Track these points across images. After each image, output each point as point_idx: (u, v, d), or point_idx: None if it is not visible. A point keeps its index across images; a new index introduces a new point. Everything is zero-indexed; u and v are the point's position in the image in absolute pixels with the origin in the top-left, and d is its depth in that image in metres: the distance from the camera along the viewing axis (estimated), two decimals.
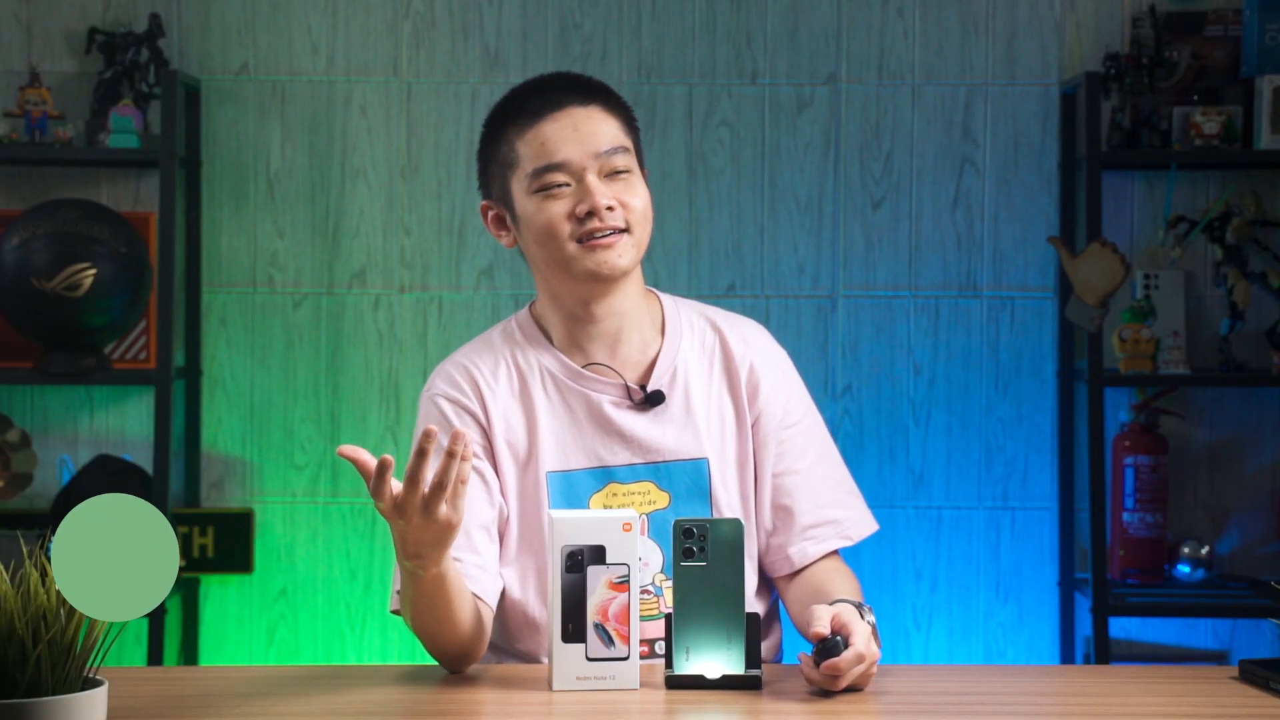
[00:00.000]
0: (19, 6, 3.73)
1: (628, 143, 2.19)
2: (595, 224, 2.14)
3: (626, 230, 2.16)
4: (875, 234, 3.76)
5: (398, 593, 2.07)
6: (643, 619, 2.12)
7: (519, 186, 2.18)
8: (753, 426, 2.23)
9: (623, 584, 1.91)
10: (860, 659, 1.88)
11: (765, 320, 3.69)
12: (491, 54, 3.76)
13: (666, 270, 3.74)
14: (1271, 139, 3.55)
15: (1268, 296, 3.62)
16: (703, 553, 1.92)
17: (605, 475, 2.19)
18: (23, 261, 3.46)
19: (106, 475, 3.60)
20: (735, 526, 1.92)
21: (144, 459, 3.68)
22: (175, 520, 3.66)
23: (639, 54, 3.75)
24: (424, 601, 1.96)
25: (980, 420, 3.75)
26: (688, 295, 2.44)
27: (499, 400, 2.20)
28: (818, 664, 1.87)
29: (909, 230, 3.76)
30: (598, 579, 1.90)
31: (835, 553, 2.24)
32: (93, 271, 3.46)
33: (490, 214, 2.25)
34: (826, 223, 3.76)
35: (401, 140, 3.76)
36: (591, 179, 2.15)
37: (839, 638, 1.88)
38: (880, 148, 3.76)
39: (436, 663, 2.05)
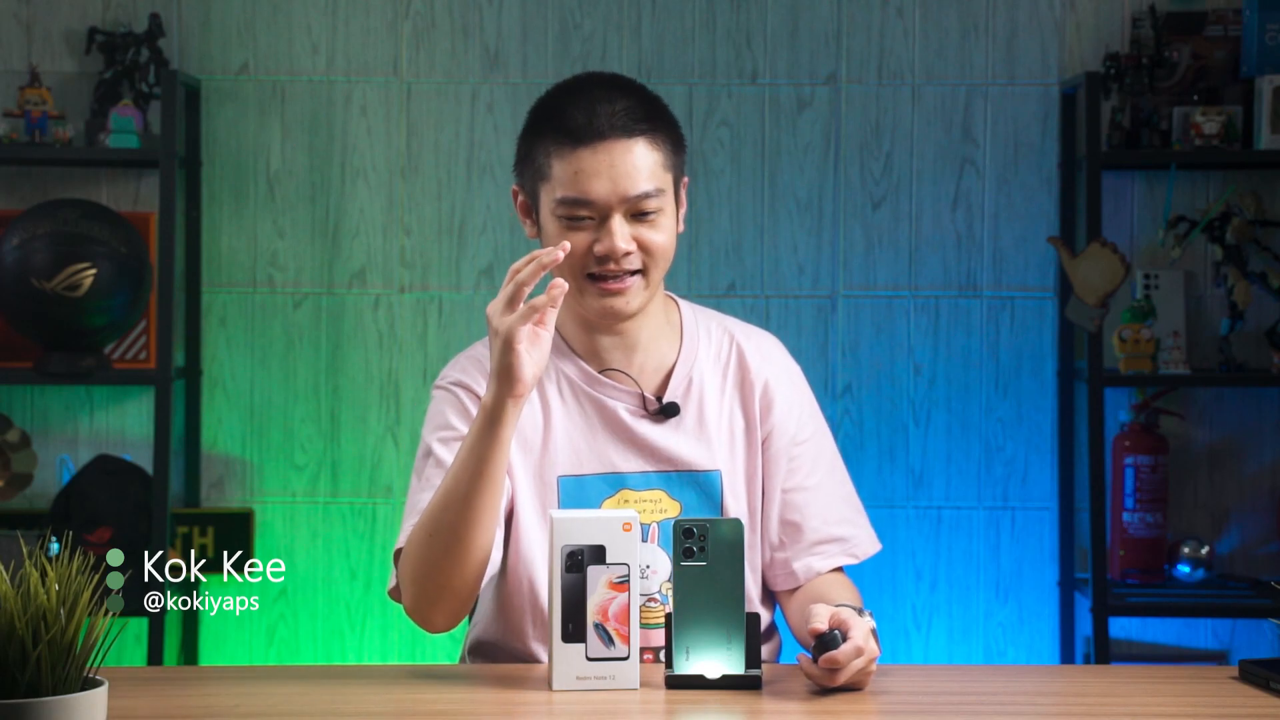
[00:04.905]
0: (19, 6, 3.73)
1: (664, 181, 2.14)
2: (610, 266, 2.13)
3: (641, 272, 2.15)
4: (875, 234, 3.76)
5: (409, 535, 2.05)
6: (649, 627, 2.12)
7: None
8: (764, 442, 2.23)
9: (623, 584, 1.90)
10: (859, 652, 1.88)
11: (765, 320, 3.69)
12: (491, 54, 3.75)
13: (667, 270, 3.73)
14: (1271, 139, 3.55)
15: (1268, 296, 3.62)
16: (703, 553, 1.92)
17: (618, 481, 2.19)
18: (23, 261, 3.46)
19: (106, 475, 3.60)
20: (735, 526, 1.92)
21: (144, 459, 3.67)
22: (175, 520, 3.66)
23: (639, 54, 3.75)
24: (470, 478, 1.96)
25: (980, 420, 3.75)
26: (688, 295, 2.44)
27: None
28: (816, 659, 1.87)
29: (909, 230, 3.76)
30: (598, 579, 1.90)
31: (839, 569, 2.24)
32: (93, 271, 3.46)
33: (519, 199, 2.23)
34: (826, 223, 3.76)
35: (401, 140, 3.76)
36: (615, 221, 2.12)
37: (836, 632, 1.88)
38: (880, 148, 3.76)
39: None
